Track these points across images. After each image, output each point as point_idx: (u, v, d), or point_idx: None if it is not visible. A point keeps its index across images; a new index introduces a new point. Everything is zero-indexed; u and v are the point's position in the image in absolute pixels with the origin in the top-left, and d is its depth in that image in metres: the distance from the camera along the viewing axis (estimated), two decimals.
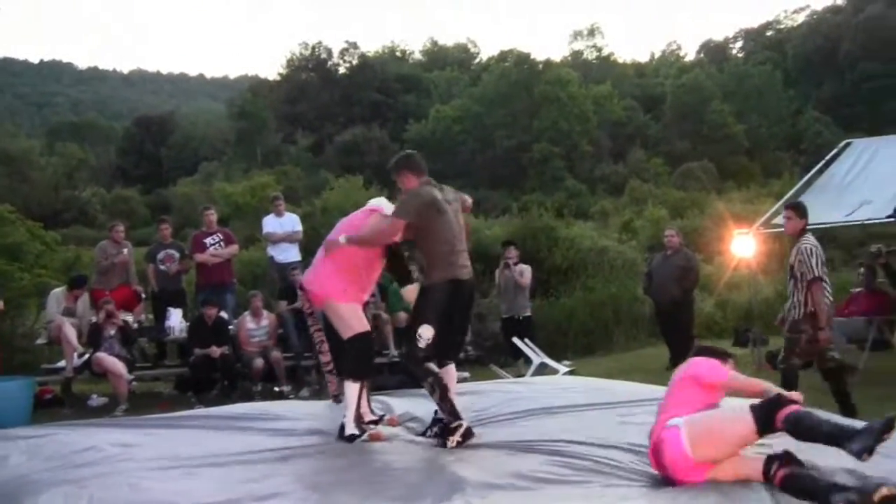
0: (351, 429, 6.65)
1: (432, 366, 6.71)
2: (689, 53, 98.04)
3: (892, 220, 10.63)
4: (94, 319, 12.07)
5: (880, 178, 11.49)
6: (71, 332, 11.57)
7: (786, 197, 12.79)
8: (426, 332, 6.60)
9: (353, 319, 6.84)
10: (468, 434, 6.53)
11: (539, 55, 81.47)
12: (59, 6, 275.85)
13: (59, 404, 11.67)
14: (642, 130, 71.60)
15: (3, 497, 5.18)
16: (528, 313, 13.74)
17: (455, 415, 6.59)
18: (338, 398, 7.12)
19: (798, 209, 8.97)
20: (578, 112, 67.58)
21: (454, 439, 6.45)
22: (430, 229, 6.71)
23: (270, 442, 6.68)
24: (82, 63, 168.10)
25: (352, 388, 6.75)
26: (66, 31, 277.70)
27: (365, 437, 6.66)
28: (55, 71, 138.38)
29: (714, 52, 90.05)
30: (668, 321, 13.05)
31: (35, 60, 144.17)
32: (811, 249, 8.53)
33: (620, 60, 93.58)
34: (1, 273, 14.29)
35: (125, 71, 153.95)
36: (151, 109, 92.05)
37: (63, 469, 5.75)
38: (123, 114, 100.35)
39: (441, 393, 6.64)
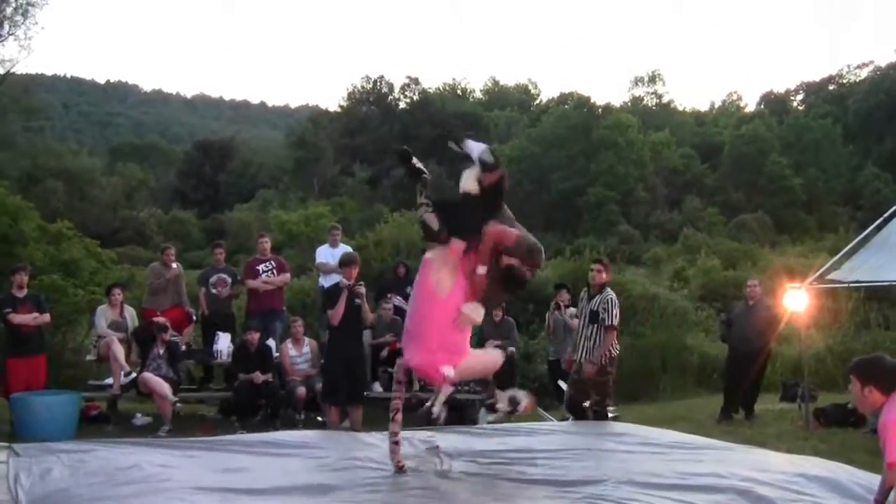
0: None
1: None
2: (750, 104, 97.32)
3: None
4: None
5: None
6: (119, 351, 11.72)
7: (842, 252, 12.66)
8: None
9: (485, 358, 7.10)
10: None
11: (599, 99, 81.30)
12: (126, 29, 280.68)
13: (104, 421, 11.82)
14: (699, 179, 71.10)
15: None
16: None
17: None
18: (402, 468, 6.81)
19: (606, 265, 10.60)
20: (636, 158, 67.26)
21: None
22: None
23: (310, 472, 6.69)
24: (147, 85, 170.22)
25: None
26: (133, 54, 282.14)
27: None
28: (120, 92, 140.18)
29: (774, 103, 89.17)
30: (739, 371, 12.82)
31: (101, 81, 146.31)
32: (615, 301, 10.11)
33: (680, 108, 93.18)
34: (55, 288, 14.46)
35: (188, 95, 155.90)
36: (212, 134, 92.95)
37: (104, 486, 5.81)
38: (184, 137, 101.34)
39: None
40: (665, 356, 16.58)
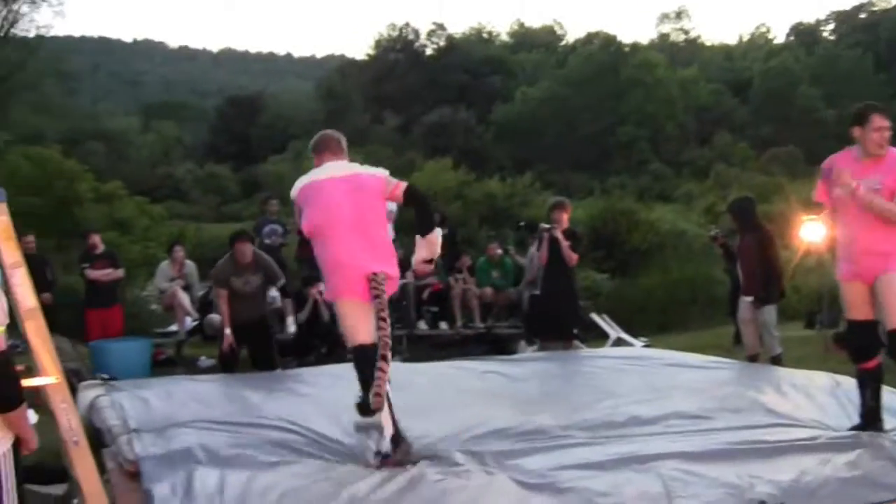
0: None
1: None
2: (779, 36, 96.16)
3: None
4: (201, 292, 13.08)
5: None
6: (185, 298, 12.69)
7: None
8: None
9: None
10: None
11: (626, 38, 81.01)
12: None
13: (171, 364, 12.72)
14: (729, 115, 70.70)
15: (154, 431, 5.95)
16: None
17: None
18: None
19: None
20: (665, 95, 67.18)
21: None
22: None
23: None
24: (173, 42, 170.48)
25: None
26: (158, 11, 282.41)
27: None
28: (148, 50, 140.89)
29: (804, 35, 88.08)
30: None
31: (128, 40, 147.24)
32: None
33: (708, 44, 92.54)
34: (113, 245, 15.33)
35: (214, 50, 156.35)
36: (240, 89, 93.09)
37: (201, 409, 6.61)
38: (213, 92, 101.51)
39: None
40: (694, 289, 17.15)
